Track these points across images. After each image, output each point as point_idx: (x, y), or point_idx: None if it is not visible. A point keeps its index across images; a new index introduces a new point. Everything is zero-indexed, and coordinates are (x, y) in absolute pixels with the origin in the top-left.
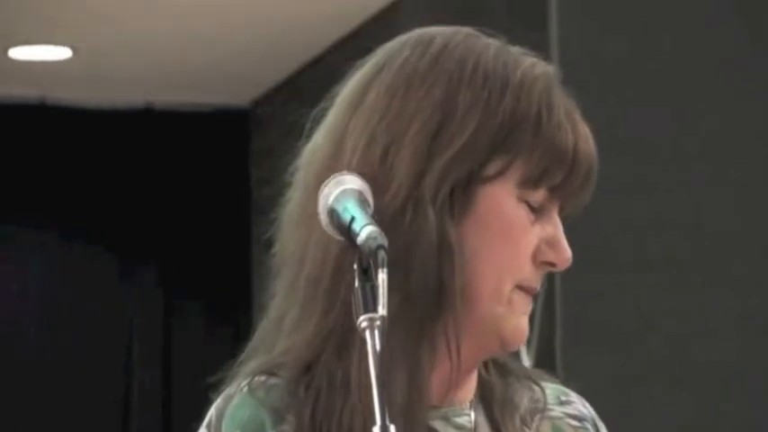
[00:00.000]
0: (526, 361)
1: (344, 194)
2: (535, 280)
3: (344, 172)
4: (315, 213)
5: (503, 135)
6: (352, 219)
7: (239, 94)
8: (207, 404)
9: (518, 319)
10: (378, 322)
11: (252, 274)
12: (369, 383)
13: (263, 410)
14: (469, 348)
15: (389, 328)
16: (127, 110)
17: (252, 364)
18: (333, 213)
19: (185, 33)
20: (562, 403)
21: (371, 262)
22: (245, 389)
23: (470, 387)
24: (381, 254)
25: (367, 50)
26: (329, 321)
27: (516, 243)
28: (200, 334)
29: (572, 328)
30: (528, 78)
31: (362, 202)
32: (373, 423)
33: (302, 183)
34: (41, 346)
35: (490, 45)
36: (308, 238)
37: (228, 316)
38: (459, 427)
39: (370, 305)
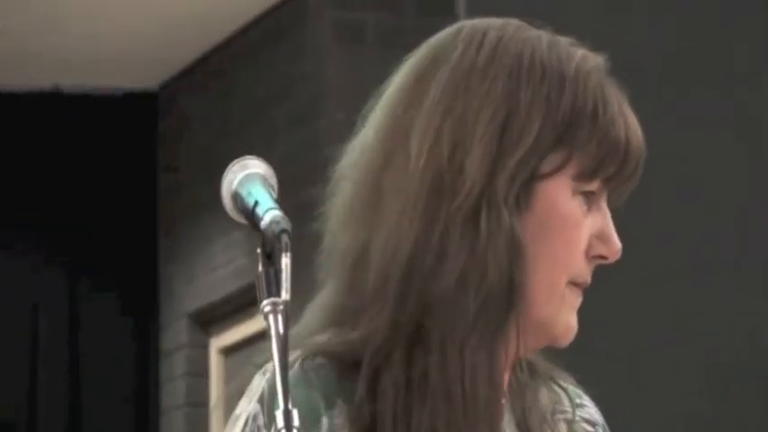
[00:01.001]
0: None
1: (249, 178)
2: (587, 274)
3: (248, 156)
4: (372, 213)
5: (562, 129)
6: (256, 203)
7: (147, 78)
8: (116, 389)
9: (570, 315)
10: (281, 307)
11: (158, 259)
12: (449, 388)
13: (317, 393)
14: (519, 344)
15: (471, 327)
16: (35, 93)
17: (299, 334)
18: (236, 197)
19: (93, 16)
20: (577, 406)
21: (275, 246)
22: (299, 368)
23: (505, 383)
24: (285, 238)
25: (275, 34)
26: (401, 316)
27: (571, 238)
28: (107, 319)
29: None
30: (582, 72)
31: (267, 186)
32: (456, 428)
33: (356, 180)
34: None
35: (542, 37)
36: (370, 237)
37: (134, 301)
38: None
39: (274, 290)
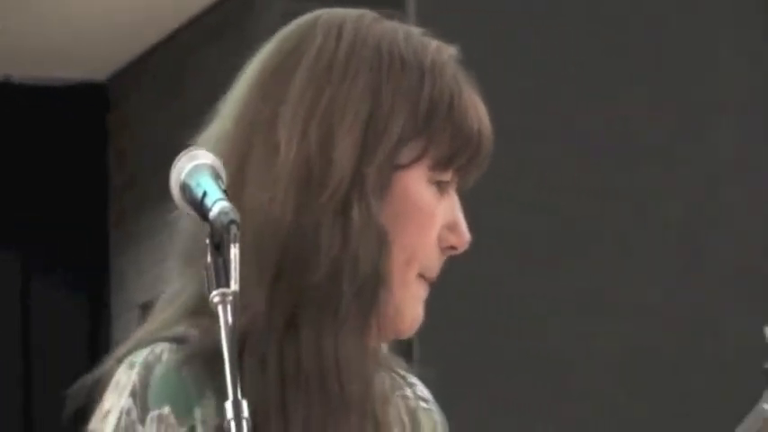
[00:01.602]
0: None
1: (197, 169)
2: (437, 268)
3: (196, 147)
4: (237, 205)
5: (421, 120)
6: (204, 194)
7: (97, 69)
8: (67, 380)
9: (418, 307)
10: (230, 297)
11: (109, 251)
12: (324, 379)
13: (188, 385)
14: (377, 337)
15: (344, 318)
16: None
17: (159, 329)
18: (185, 188)
19: (44, 7)
20: (411, 384)
21: (223, 237)
22: (166, 359)
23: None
24: (233, 229)
25: (224, 25)
26: (274, 307)
27: (424, 228)
28: (59, 311)
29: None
30: (438, 63)
31: (215, 177)
32: (336, 422)
33: (235, 172)
34: None
35: (397, 29)
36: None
37: (87, 293)
38: None
39: (223, 280)
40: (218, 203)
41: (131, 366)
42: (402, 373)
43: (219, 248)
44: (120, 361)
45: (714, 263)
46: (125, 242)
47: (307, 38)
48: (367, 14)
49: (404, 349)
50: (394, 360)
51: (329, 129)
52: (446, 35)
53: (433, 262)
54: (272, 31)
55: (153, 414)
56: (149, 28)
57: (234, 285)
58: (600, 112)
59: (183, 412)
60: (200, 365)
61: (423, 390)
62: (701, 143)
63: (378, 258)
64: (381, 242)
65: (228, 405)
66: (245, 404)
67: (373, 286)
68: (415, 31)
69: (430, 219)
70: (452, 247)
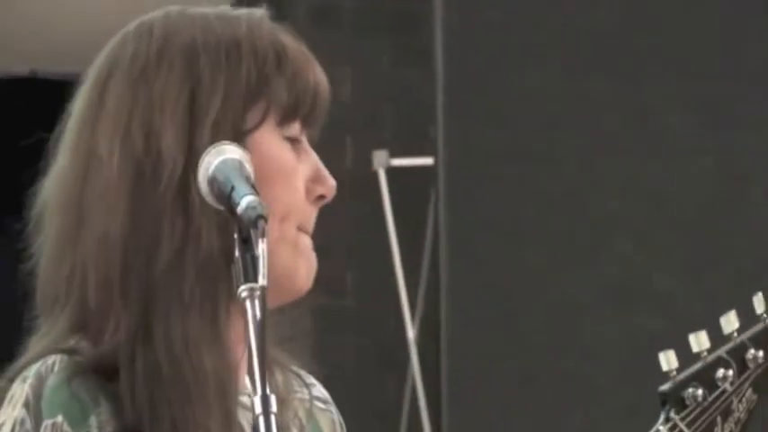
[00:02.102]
0: (411, 331)
1: (225, 164)
2: (312, 219)
3: (225, 141)
4: (82, 232)
5: (252, 85)
6: (233, 188)
7: None
8: None
9: (308, 261)
10: (258, 292)
11: None
12: (177, 366)
13: (82, 393)
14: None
15: (190, 299)
16: (12, 77)
17: (49, 344)
18: (213, 182)
19: (70, 2)
20: (309, 385)
21: (251, 232)
22: (58, 369)
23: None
24: (261, 223)
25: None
26: (130, 312)
27: (290, 183)
28: None
29: (457, 298)
30: (254, 27)
31: (243, 171)
32: (192, 406)
33: (58, 207)
34: None
35: (207, 13)
36: (75, 253)
37: None
38: (243, 406)
39: (251, 275)
40: (245, 198)
41: (24, 380)
42: (298, 372)
43: (247, 243)
44: (11, 380)
45: (738, 258)
46: None
47: (120, 51)
48: (173, 9)
49: (434, 346)
50: (290, 359)
51: (151, 123)
52: (475, 30)
53: (306, 215)
54: (297, 25)
55: (47, 423)
56: None
57: (262, 280)
58: (625, 109)
59: (78, 420)
60: (93, 375)
61: (321, 390)
62: (726, 139)
63: (226, 232)
64: (226, 214)
65: (257, 400)
66: (273, 398)
67: (225, 261)
68: (226, 8)
69: (293, 173)
70: (322, 197)
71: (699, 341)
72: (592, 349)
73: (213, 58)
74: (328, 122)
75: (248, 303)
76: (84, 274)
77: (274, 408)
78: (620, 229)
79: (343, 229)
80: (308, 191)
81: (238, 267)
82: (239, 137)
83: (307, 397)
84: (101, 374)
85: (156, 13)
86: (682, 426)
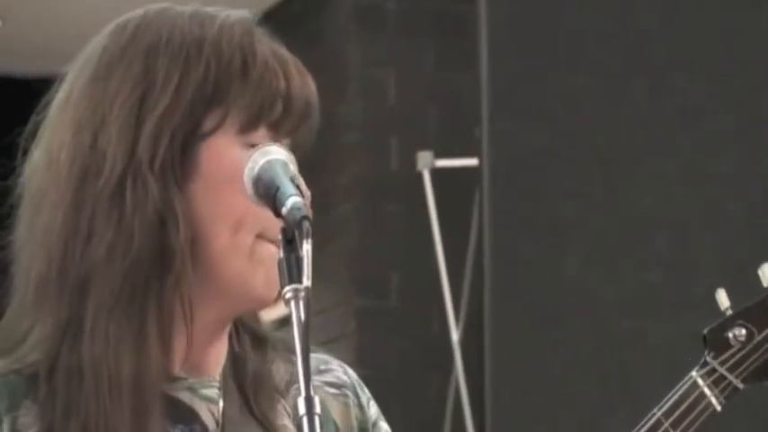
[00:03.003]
0: (455, 333)
1: (270, 164)
2: (276, 228)
3: (269, 142)
4: (32, 227)
5: (210, 88)
6: (278, 189)
7: None
8: None
9: (266, 271)
10: (302, 293)
11: None
12: (96, 368)
13: (2, 396)
14: (211, 312)
15: (116, 299)
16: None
17: None
18: (258, 183)
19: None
20: (321, 372)
21: (296, 233)
22: None
23: (219, 359)
24: (306, 225)
25: (295, 19)
26: (62, 310)
27: (243, 191)
28: None
29: (500, 300)
30: (225, 29)
31: (287, 172)
32: (105, 408)
33: (24, 200)
34: None
35: (185, 11)
36: (26, 246)
37: None
38: (206, 398)
39: (295, 276)
40: (291, 198)
41: None
42: (317, 359)
43: (292, 243)
44: None
45: None
46: None
47: (94, 45)
48: (153, 8)
49: (478, 348)
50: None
51: (101, 121)
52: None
53: (267, 222)
54: (341, 26)
55: None
56: None
57: (306, 281)
58: (666, 111)
59: None
60: (20, 381)
61: (340, 375)
62: (766, 140)
63: (159, 233)
64: (166, 216)
65: (300, 402)
66: (317, 400)
67: (156, 262)
68: (211, 8)
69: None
70: None
71: (720, 299)
72: (634, 350)
73: (171, 57)
74: (373, 124)
75: (293, 304)
76: (30, 266)
77: (318, 409)
78: (662, 230)
79: (387, 230)
80: None
81: (283, 268)
82: (193, 140)
83: (318, 384)
84: (31, 379)
85: (136, 11)
86: (721, 370)
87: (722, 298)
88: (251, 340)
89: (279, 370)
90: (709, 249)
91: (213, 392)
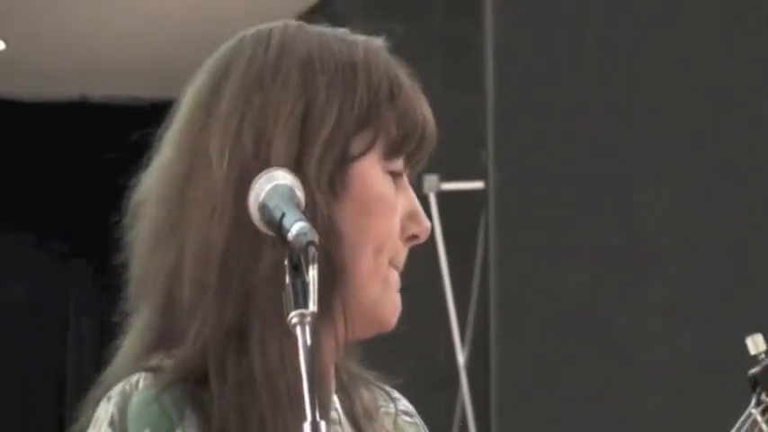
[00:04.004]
0: (461, 355)
1: (276, 190)
2: (403, 256)
3: (275, 168)
4: (180, 227)
5: (364, 111)
6: (283, 215)
7: (174, 88)
8: None
9: (395, 298)
10: (308, 318)
11: None
12: (272, 380)
13: (168, 409)
14: (351, 332)
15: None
16: (61, 102)
17: (136, 362)
18: (264, 209)
19: (122, 29)
20: (394, 400)
21: (302, 258)
22: (143, 386)
23: (333, 380)
24: (312, 250)
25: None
26: (224, 320)
27: (388, 217)
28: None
29: (506, 323)
30: (371, 55)
31: (293, 197)
32: (285, 420)
33: (158, 200)
34: None
35: (325, 30)
36: (169, 248)
37: None
38: (331, 420)
39: (301, 301)
40: (296, 224)
41: (108, 400)
42: (382, 387)
43: (298, 269)
44: (97, 401)
45: None
46: None
47: (236, 54)
48: (292, 23)
49: (484, 371)
50: (370, 375)
51: (263, 131)
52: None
53: (399, 251)
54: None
55: None
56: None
57: (312, 306)
58: (676, 132)
59: None
60: (178, 385)
61: (406, 404)
62: None
63: (326, 250)
64: (331, 233)
65: (306, 427)
66: (323, 425)
67: (324, 280)
68: (343, 30)
69: (392, 207)
70: (414, 236)
71: (756, 344)
72: (642, 372)
73: (330, 76)
74: None
75: (299, 329)
76: (178, 271)
77: None
78: (669, 251)
79: None
80: (402, 228)
81: (289, 293)
82: (345, 161)
83: (393, 411)
84: (186, 380)
85: (274, 23)
86: None
87: (759, 342)
88: (340, 368)
89: (364, 394)
90: (719, 272)
91: (333, 413)
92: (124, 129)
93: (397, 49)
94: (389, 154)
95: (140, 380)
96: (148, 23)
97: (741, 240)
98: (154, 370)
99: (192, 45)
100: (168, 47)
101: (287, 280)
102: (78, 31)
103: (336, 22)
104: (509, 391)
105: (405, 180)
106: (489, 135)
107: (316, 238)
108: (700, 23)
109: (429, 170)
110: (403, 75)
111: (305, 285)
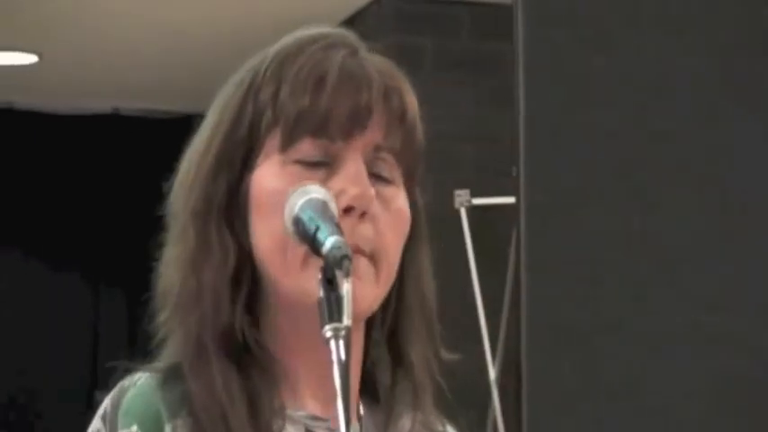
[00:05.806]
0: (492, 371)
1: (309, 204)
2: (358, 236)
3: (309, 182)
4: (214, 223)
5: (279, 111)
6: (317, 228)
7: (203, 101)
8: None
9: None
10: (343, 332)
11: None
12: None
13: (159, 404)
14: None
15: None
16: (94, 115)
17: (146, 362)
18: (298, 222)
19: (153, 43)
20: (443, 423)
21: (336, 272)
22: (141, 383)
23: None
24: (346, 263)
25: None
26: (218, 327)
27: (271, 214)
28: None
29: (538, 338)
30: (290, 50)
31: (326, 211)
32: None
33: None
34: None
35: (294, 34)
36: (206, 250)
37: None
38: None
39: (335, 315)
40: (330, 238)
41: (109, 393)
42: (433, 421)
43: (332, 283)
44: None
45: None
46: None
47: (248, 68)
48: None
49: (515, 387)
50: (410, 399)
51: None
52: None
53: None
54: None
55: None
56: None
57: (347, 320)
58: (704, 150)
59: (153, 428)
60: (179, 392)
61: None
62: None
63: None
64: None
65: None
66: None
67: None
68: (314, 31)
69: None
70: (350, 207)
71: None
72: (672, 388)
73: (239, 92)
74: None
75: (333, 343)
76: (168, 282)
77: None
78: (700, 270)
79: None
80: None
81: (323, 307)
82: (245, 175)
83: None
84: (187, 382)
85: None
86: None
87: None
88: (378, 390)
89: (405, 423)
90: (748, 290)
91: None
92: (156, 141)
93: (427, 64)
94: (282, 146)
95: (141, 378)
96: (179, 38)
97: (763, 253)
98: (156, 369)
99: (223, 60)
100: (200, 61)
101: (320, 293)
102: (111, 46)
103: (367, 39)
104: (540, 406)
105: (347, 161)
106: (520, 150)
107: (350, 252)
108: (729, 46)
109: (460, 185)
110: (326, 59)
111: (339, 299)
